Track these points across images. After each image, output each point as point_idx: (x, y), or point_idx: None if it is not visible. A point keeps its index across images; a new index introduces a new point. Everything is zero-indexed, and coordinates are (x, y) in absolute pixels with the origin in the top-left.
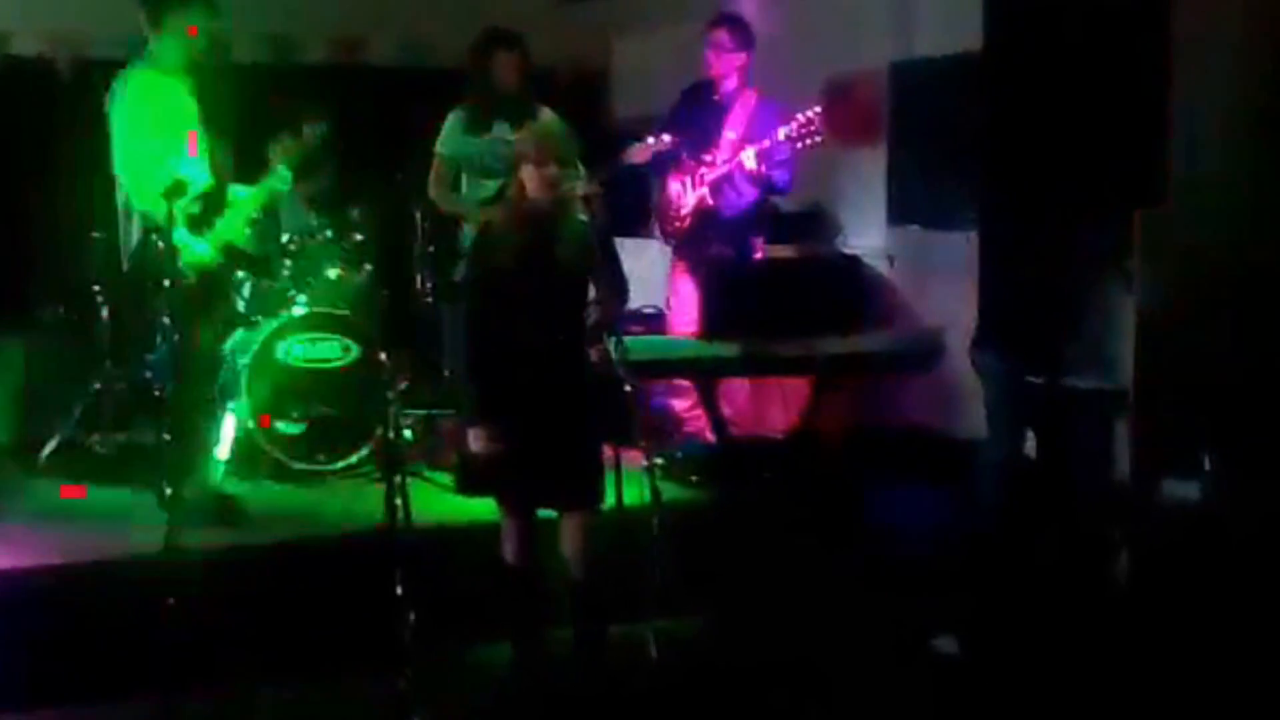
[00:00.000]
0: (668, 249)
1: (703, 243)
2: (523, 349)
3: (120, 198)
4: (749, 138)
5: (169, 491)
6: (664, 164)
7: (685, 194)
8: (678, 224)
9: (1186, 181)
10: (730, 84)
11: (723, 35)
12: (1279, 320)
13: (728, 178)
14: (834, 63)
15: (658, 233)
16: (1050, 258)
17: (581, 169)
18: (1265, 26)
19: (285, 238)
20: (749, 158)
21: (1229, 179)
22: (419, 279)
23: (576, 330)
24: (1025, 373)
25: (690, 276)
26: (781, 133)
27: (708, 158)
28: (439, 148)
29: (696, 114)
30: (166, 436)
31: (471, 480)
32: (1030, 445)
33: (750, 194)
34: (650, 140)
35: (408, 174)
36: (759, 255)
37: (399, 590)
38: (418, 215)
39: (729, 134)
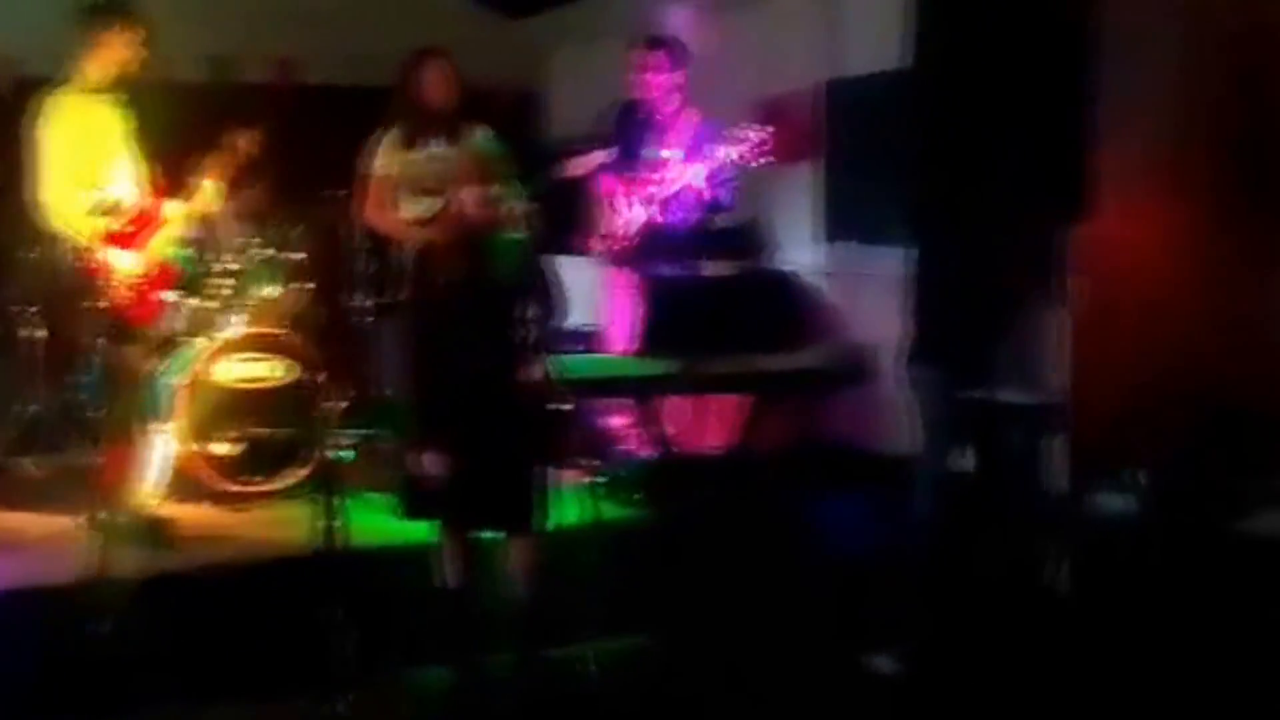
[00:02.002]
0: (597, 266)
1: (649, 261)
2: (460, 368)
3: (50, 217)
4: (694, 157)
5: (101, 515)
6: (600, 182)
7: (628, 213)
8: (623, 243)
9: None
10: (669, 104)
11: (661, 56)
12: (1209, 334)
13: (676, 197)
14: (769, 82)
15: (595, 251)
16: (982, 272)
17: (518, 187)
18: (1193, 41)
19: (220, 257)
20: (699, 177)
21: (1155, 193)
22: (357, 298)
23: (513, 349)
24: (958, 387)
25: (629, 294)
26: (735, 153)
27: (655, 176)
28: (374, 168)
29: (634, 133)
30: (99, 459)
31: (412, 503)
32: (968, 459)
33: (697, 213)
34: (591, 155)
35: (346, 192)
36: (694, 271)
37: (337, 613)
38: (355, 234)
39: (673, 153)
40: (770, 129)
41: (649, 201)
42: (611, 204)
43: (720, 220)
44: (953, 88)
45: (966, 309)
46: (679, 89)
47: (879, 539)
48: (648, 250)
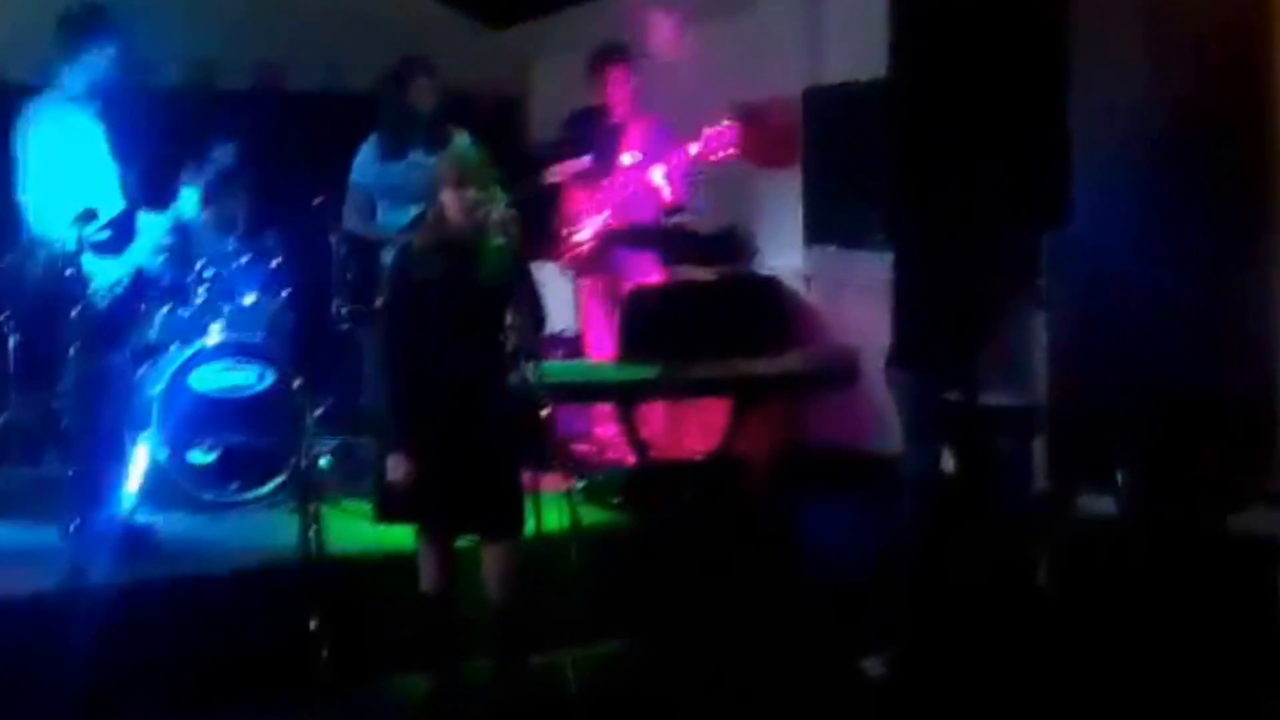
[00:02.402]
0: (566, 271)
1: (608, 265)
2: (441, 374)
3: (27, 225)
4: (650, 159)
5: (77, 525)
6: (564, 189)
7: (586, 218)
8: (578, 248)
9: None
10: (625, 109)
11: (626, 66)
12: (1185, 336)
13: (632, 198)
14: (749, 89)
15: (559, 256)
16: (962, 277)
17: (500, 193)
18: (1166, 51)
19: (200, 263)
20: (656, 175)
21: (1131, 200)
22: (335, 305)
23: (495, 355)
24: (939, 390)
25: (598, 300)
26: (694, 148)
27: (615, 180)
28: (354, 176)
29: (592, 139)
30: (74, 468)
31: (390, 507)
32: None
33: (654, 213)
34: (568, 163)
35: (325, 199)
36: (663, 275)
37: (316, 621)
38: (334, 241)
39: (628, 157)
40: (731, 123)
41: (609, 205)
42: (573, 211)
43: (702, 226)
44: (931, 94)
45: (947, 314)
46: (635, 94)
47: (862, 542)
48: (608, 254)
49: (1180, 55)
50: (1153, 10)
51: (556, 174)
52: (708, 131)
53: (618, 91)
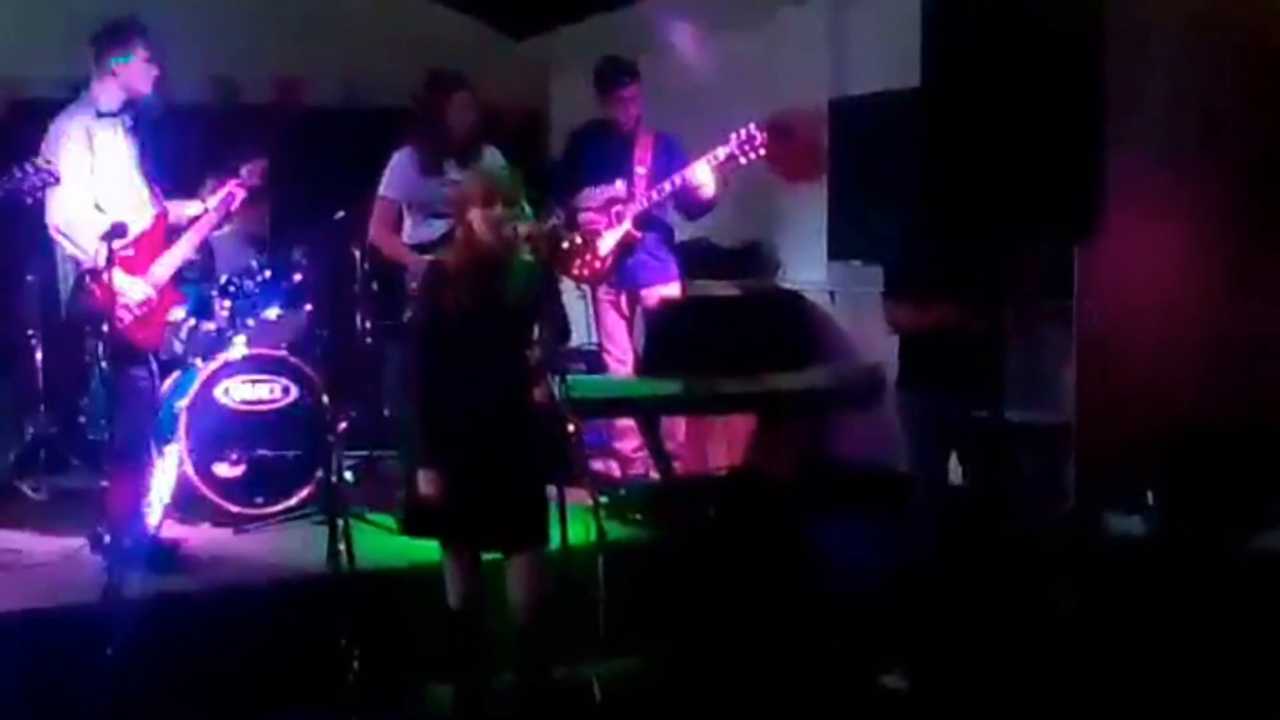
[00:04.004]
0: (585, 287)
1: (628, 279)
2: (468, 389)
3: (56, 241)
4: (658, 172)
5: (106, 538)
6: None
7: (602, 233)
8: (596, 265)
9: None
10: (633, 123)
11: (638, 84)
12: (1217, 351)
13: (648, 212)
14: (773, 100)
15: (575, 272)
16: (989, 292)
17: (527, 209)
18: (1196, 62)
19: (224, 278)
20: (667, 191)
21: (1163, 213)
22: (359, 319)
23: (521, 370)
24: (954, 407)
25: (619, 314)
26: (722, 152)
27: (625, 195)
28: (384, 190)
29: (602, 154)
30: (103, 482)
31: (418, 523)
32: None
33: (669, 226)
34: (602, 189)
35: (348, 214)
36: (683, 288)
37: (343, 634)
38: (358, 255)
39: (639, 170)
40: (759, 126)
41: (625, 219)
42: (587, 227)
43: (725, 239)
44: (961, 105)
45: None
46: (641, 109)
47: (885, 557)
48: (627, 268)
49: (1217, 66)
50: (1188, 20)
51: (591, 199)
52: (738, 133)
53: (628, 109)
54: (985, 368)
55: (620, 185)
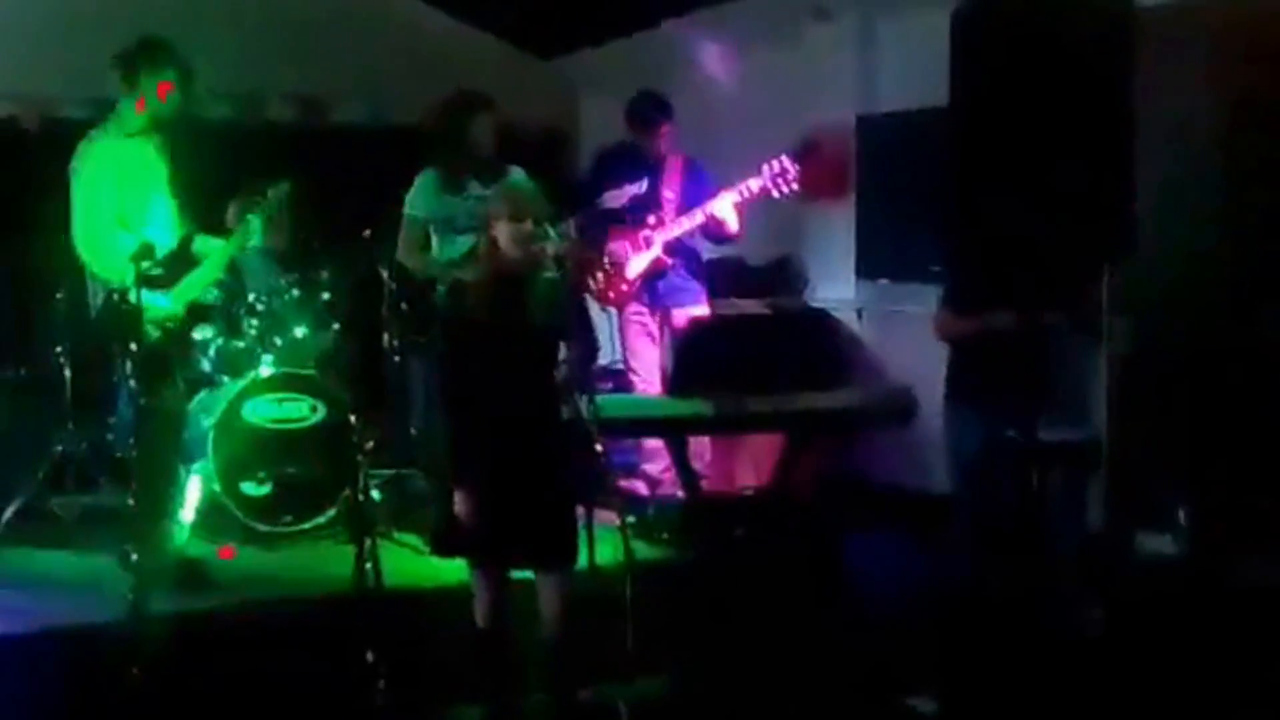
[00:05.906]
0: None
1: (657, 301)
2: (496, 408)
3: (84, 258)
4: (687, 197)
5: (133, 556)
6: (600, 228)
7: (630, 257)
8: (623, 288)
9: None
10: (662, 148)
11: (671, 124)
12: (1251, 370)
13: (680, 238)
14: (801, 117)
15: (602, 294)
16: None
17: (552, 227)
18: (1225, 81)
19: (252, 297)
20: (724, 206)
21: (1194, 232)
22: (386, 338)
23: (549, 388)
24: (999, 427)
25: (646, 334)
26: (755, 184)
27: (651, 219)
28: (409, 209)
29: (630, 176)
30: (130, 500)
31: (448, 543)
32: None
33: (697, 252)
34: (624, 188)
35: (375, 232)
36: (710, 307)
37: (370, 654)
38: (385, 274)
39: (667, 194)
40: (790, 157)
41: (656, 244)
42: (615, 250)
43: (753, 258)
44: (991, 121)
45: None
46: (670, 135)
47: (915, 578)
48: (657, 290)
49: (1249, 78)
50: (1220, 31)
51: (616, 198)
52: (771, 165)
53: (659, 144)
54: (1040, 384)
55: (644, 184)
